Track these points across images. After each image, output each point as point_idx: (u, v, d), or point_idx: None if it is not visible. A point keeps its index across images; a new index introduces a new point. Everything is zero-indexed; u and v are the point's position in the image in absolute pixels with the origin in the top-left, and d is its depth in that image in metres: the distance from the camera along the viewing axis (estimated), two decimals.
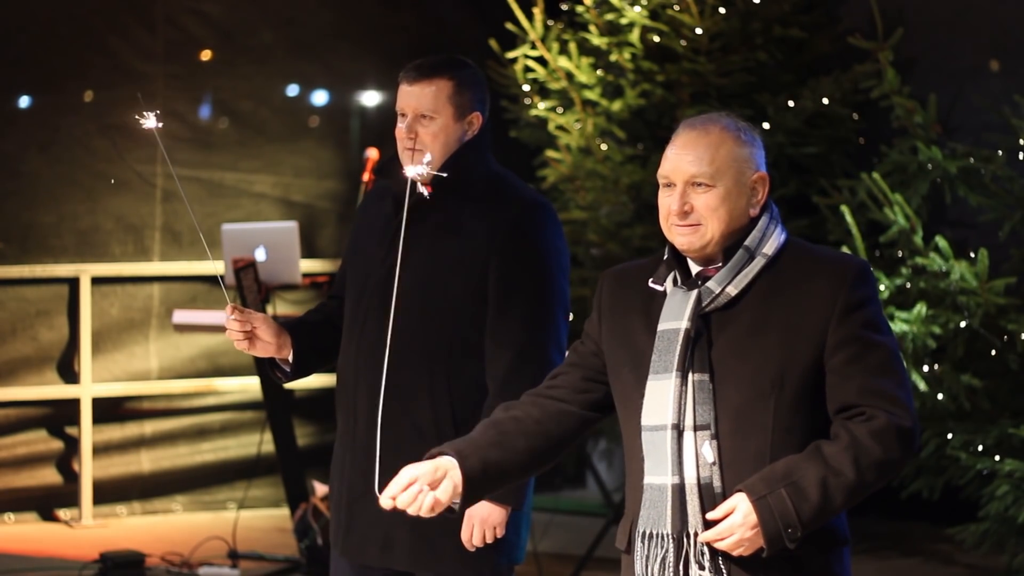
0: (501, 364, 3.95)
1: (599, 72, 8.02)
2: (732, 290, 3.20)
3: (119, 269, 8.28)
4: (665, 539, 3.14)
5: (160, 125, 3.81)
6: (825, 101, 7.66)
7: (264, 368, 4.10)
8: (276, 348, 3.99)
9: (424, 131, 3.98)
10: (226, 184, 8.52)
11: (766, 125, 7.86)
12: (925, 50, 7.42)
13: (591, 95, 7.98)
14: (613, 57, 7.93)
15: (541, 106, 8.14)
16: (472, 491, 3.25)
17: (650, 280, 3.29)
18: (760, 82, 7.94)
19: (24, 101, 8.24)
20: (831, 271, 3.19)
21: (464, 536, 3.96)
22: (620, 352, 3.31)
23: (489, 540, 3.96)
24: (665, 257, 3.31)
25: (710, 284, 3.21)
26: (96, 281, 8.23)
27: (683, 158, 3.23)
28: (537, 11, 8.05)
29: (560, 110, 8.13)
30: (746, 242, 3.21)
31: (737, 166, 3.22)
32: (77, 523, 8.11)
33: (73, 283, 8.20)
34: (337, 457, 4.15)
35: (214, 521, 8.08)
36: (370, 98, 8.82)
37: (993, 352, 6.48)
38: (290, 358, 4.03)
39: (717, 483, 3.13)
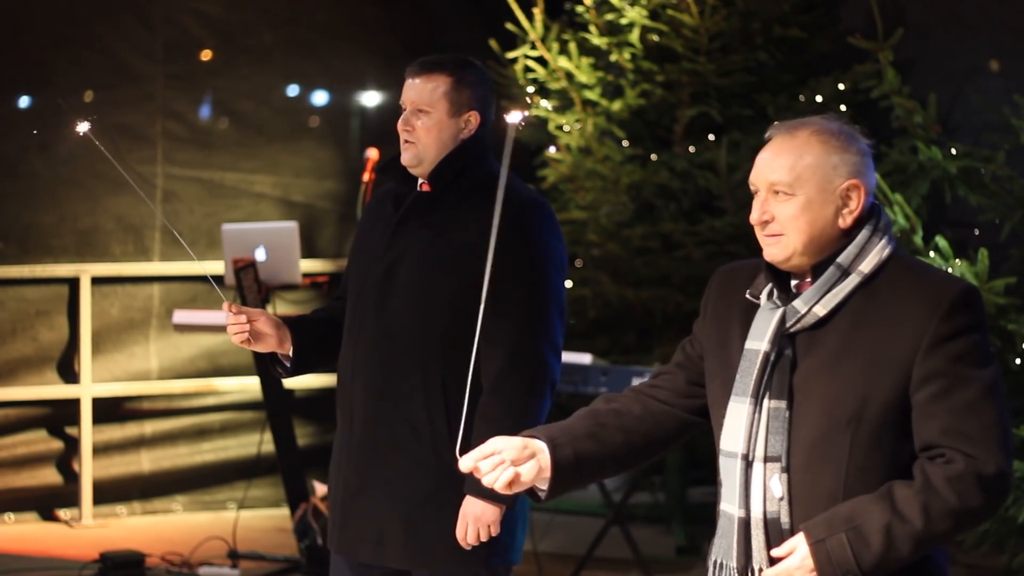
0: (495, 363, 3.95)
1: (599, 72, 8.02)
2: (820, 310, 2.99)
3: (119, 269, 8.28)
4: (731, 572, 3.03)
5: (89, 127, 3.82)
6: (825, 101, 7.66)
7: (264, 367, 4.14)
8: (277, 342, 4.02)
9: (419, 124, 4.03)
10: (226, 184, 8.52)
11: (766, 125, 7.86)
12: (925, 50, 7.42)
13: (591, 95, 7.98)
14: (613, 57, 7.93)
15: (541, 106, 8.14)
16: (560, 480, 3.15)
17: (747, 291, 3.11)
18: (760, 82, 7.94)
19: (24, 101, 8.23)
20: (926, 296, 2.95)
21: (459, 534, 3.96)
22: (714, 362, 3.16)
23: (484, 538, 3.95)
24: (764, 266, 3.11)
25: (796, 303, 3.01)
26: (96, 281, 8.23)
27: (766, 164, 3.05)
28: (537, 11, 8.05)
29: (560, 110, 8.14)
30: (839, 258, 3.00)
31: (822, 173, 3.00)
32: (77, 523, 8.10)
33: (73, 283, 8.20)
34: (335, 455, 4.17)
35: (214, 521, 8.08)
36: (370, 98, 8.82)
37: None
38: (290, 353, 4.05)
39: (785, 519, 2.97)
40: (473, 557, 4.00)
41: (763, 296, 3.08)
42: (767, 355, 3.00)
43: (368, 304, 4.05)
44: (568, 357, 6.94)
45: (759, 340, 3.02)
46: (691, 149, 7.94)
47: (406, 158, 4.06)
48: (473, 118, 4.06)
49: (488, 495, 3.89)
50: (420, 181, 4.09)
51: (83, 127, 3.93)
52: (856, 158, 3.03)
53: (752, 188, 3.08)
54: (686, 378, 3.25)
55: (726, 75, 7.84)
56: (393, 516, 4.02)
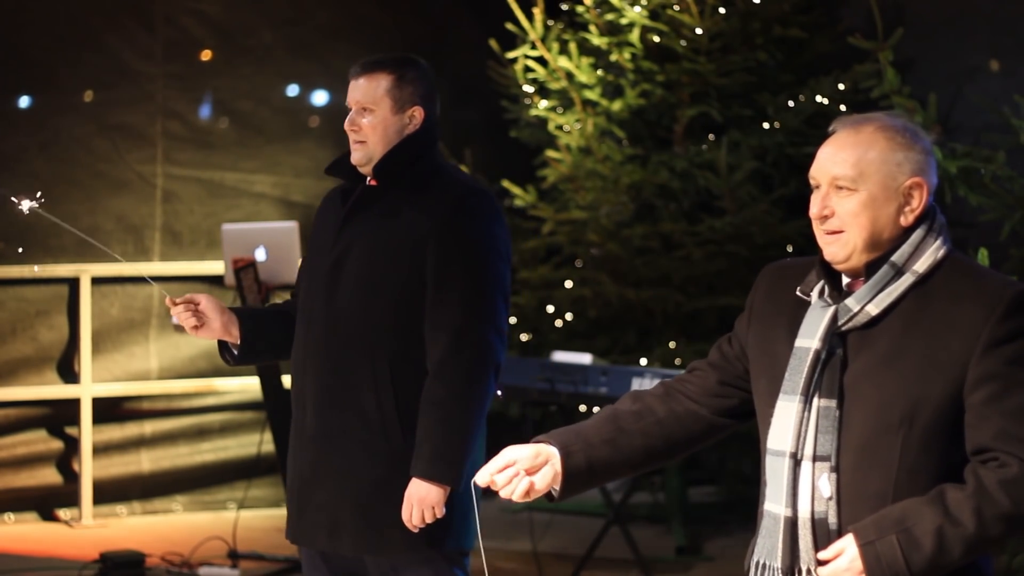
0: (439, 347, 4.03)
1: (599, 72, 8.02)
2: (873, 309, 2.95)
3: (119, 269, 8.28)
4: (776, 573, 3.00)
5: (39, 203, 3.99)
6: (825, 101, 7.66)
7: (263, 368, 4.21)
8: (222, 327, 4.11)
9: (365, 123, 4.14)
10: (226, 184, 8.52)
11: (766, 125, 7.87)
12: (925, 50, 7.42)
13: (591, 95, 7.98)
14: (613, 57, 7.93)
15: (541, 106, 8.14)
16: (572, 486, 3.15)
17: (798, 288, 3.07)
18: (760, 82, 7.94)
19: (24, 101, 8.23)
20: (982, 297, 2.91)
21: (404, 516, 4.02)
22: (762, 360, 3.11)
23: (428, 520, 4.01)
24: (817, 264, 3.06)
25: (849, 301, 2.97)
26: (96, 281, 8.23)
27: (829, 158, 3.00)
28: (537, 11, 8.05)
29: (560, 110, 8.13)
30: (893, 257, 2.96)
31: (886, 169, 2.96)
32: (77, 523, 8.10)
33: (73, 283, 8.20)
34: (291, 449, 4.24)
35: (214, 521, 8.08)
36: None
37: None
38: (238, 340, 4.15)
39: (833, 519, 2.94)
40: (426, 544, 4.06)
41: (814, 294, 3.04)
42: (818, 353, 2.96)
43: (317, 297, 4.14)
44: (568, 357, 6.95)
45: (810, 338, 2.99)
46: (691, 149, 7.94)
47: (356, 157, 4.16)
48: (417, 113, 4.17)
49: (432, 476, 3.97)
50: (367, 177, 4.19)
51: (26, 205, 4.26)
52: (920, 156, 3.00)
53: (812, 183, 3.03)
54: (718, 378, 3.23)
55: (726, 75, 7.84)
56: (345, 504, 4.10)
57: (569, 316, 8.21)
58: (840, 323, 2.97)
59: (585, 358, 6.90)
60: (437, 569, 4.11)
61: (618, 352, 8.02)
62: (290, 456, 4.23)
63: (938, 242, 2.99)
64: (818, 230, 3.02)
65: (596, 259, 8.13)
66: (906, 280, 2.96)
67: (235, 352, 4.18)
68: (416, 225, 4.05)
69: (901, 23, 7.01)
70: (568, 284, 8.19)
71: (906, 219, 2.98)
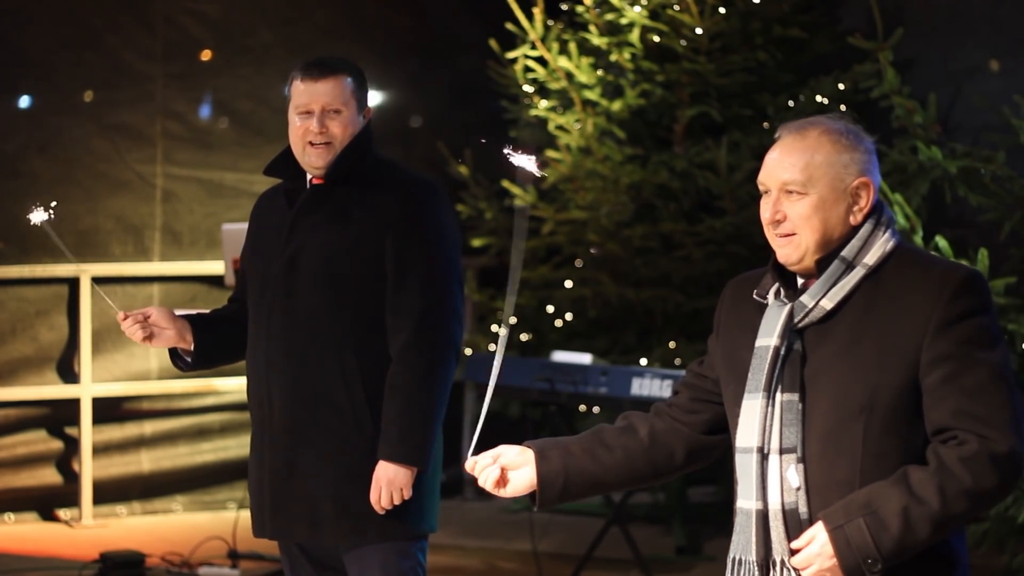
0: (402, 334, 4.13)
1: (599, 72, 8.02)
2: (827, 304, 3.03)
3: (119, 269, 8.27)
4: (751, 567, 3.04)
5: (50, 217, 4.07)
6: (825, 101, 7.66)
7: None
8: (176, 335, 4.20)
9: (334, 124, 4.22)
10: (226, 184, 8.52)
11: (766, 125, 7.86)
12: (925, 50, 7.43)
13: (591, 95, 7.98)
14: (613, 57, 7.93)
15: (541, 106, 8.14)
16: (547, 491, 3.24)
17: (754, 292, 3.15)
18: (760, 82, 7.94)
19: (24, 101, 8.23)
20: (931, 281, 2.99)
21: (373, 499, 4.11)
22: (729, 367, 3.19)
23: (397, 502, 4.10)
24: (771, 267, 3.16)
25: (804, 298, 3.05)
26: (96, 281, 8.22)
27: (777, 164, 3.08)
28: (537, 11, 8.05)
29: (560, 110, 8.13)
30: (843, 252, 3.05)
31: (834, 172, 3.05)
32: (77, 523, 8.10)
33: (73, 283, 8.20)
34: (255, 447, 4.29)
35: (214, 521, 8.08)
36: (369, 98, 8.80)
37: None
38: (191, 347, 4.22)
39: (803, 509, 3.00)
40: (392, 526, 4.15)
41: (770, 296, 3.12)
42: (777, 349, 3.04)
43: (275, 296, 4.20)
44: (568, 357, 6.95)
45: (768, 336, 3.06)
46: (691, 149, 7.94)
47: (320, 160, 4.21)
48: (368, 113, 4.30)
49: (399, 458, 4.07)
50: (310, 176, 4.25)
51: (37, 218, 4.43)
52: (864, 156, 3.08)
53: (762, 188, 3.11)
54: (690, 395, 3.30)
55: (726, 75, 7.84)
56: (324, 495, 4.17)
57: (569, 316, 8.21)
58: (796, 320, 3.05)
59: (585, 358, 6.90)
60: (400, 550, 4.19)
61: (618, 352, 8.02)
62: (254, 458, 4.29)
63: (886, 235, 3.06)
64: (770, 234, 3.10)
65: (596, 259, 8.13)
66: (857, 273, 3.03)
67: (187, 359, 4.26)
68: (371, 220, 4.15)
69: (901, 23, 7.01)
70: (568, 284, 8.19)
71: (855, 218, 3.06)
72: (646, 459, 3.27)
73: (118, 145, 8.27)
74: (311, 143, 4.21)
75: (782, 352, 3.04)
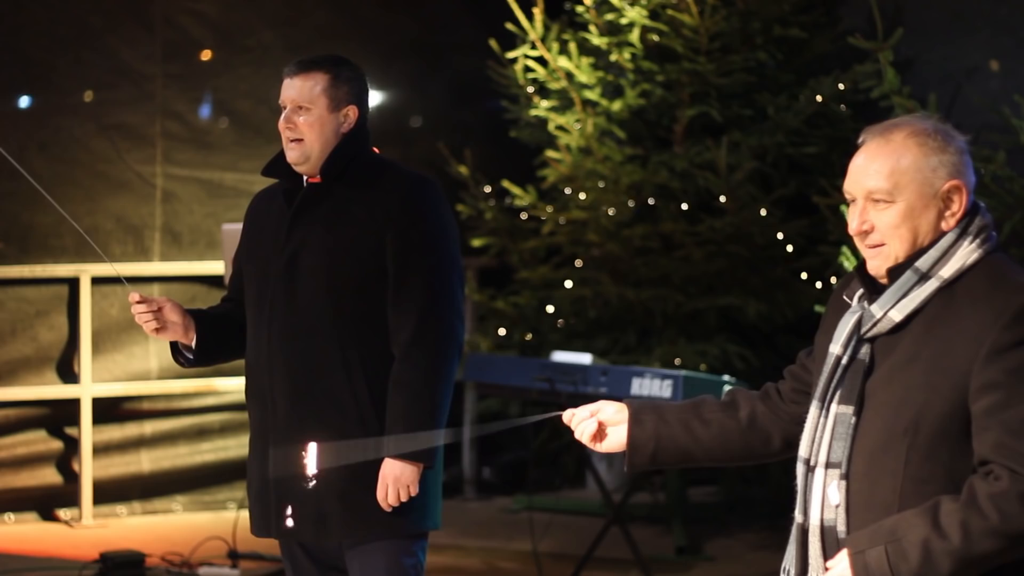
0: (405, 331, 4.13)
1: (599, 72, 8.02)
2: (896, 315, 2.89)
3: (119, 269, 8.27)
4: None
5: None
6: (825, 101, 7.66)
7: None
8: (183, 330, 4.21)
9: (301, 121, 4.23)
10: (226, 184, 8.52)
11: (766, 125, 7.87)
12: (925, 50, 7.43)
13: (591, 95, 7.98)
14: (613, 57, 7.93)
15: (541, 106, 8.14)
16: (637, 454, 3.22)
17: (843, 292, 3.03)
18: (760, 82, 7.94)
19: (24, 101, 8.23)
20: (993, 303, 2.82)
21: (379, 496, 4.11)
22: (817, 368, 3.05)
23: (403, 499, 4.10)
24: (857, 268, 3.01)
25: (873, 307, 2.91)
26: (96, 281, 8.22)
27: (862, 171, 2.91)
28: (537, 11, 8.06)
29: (560, 110, 8.13)
30: (917, 262, 2.88)
31: (922, 176, 2.88)
32: (77, 523, 8.10)
33: (73, 283, 8.19)
34: (255, 447, 4.28)
35: (214, 521, 8.08)
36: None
37: None
38: (193, 343, 4.23)
39: (842, 527, 2.89)
40: (396, 522, 4.14)
41: (855, 299, 3.00)
42: (838, 359, 2.93)
43: (275, 295, 4.21)
44: (568, 357, 6.95)
45: (836, 343, 2.96)
46: (691, 149, 7.94)
47: (293, 156, 4.23)
48: (352, 112, 4.27)
49: (405, 456, 4.07)
50: (306, 176, 4.25)
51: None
52: (955, 157, 2.93)
53: (848, 197, 2.96)
54: (792, 386, 3.21)
55: (726, 75, 7.83)
56: (329, 493, 4.16)
57: (569, 316, 8.21)
58: (864, 329, 2.93)
59: (585, 358, 6.89)
60: (403, 548, 4.19)
61: (618, 352, 8.02)
62: (254, 454, 4.28)
63: (972, 246, 2.89)
64: (860, 245, 2.95)
65: (596, 259, 8.13)
66: (931, 285, 2.88)
67: (188, 355, 4.27)
68: (370, 218, 4.15)
69: (901, 23, 7.01)
70: (568, 284, 8.19)
71: (947, 223, 2.91)
72: (742, 441, 3.19)
73: (118, 145, 8.27)
74: (287, 139, 4.24)
75: (843, 361, 2.93)
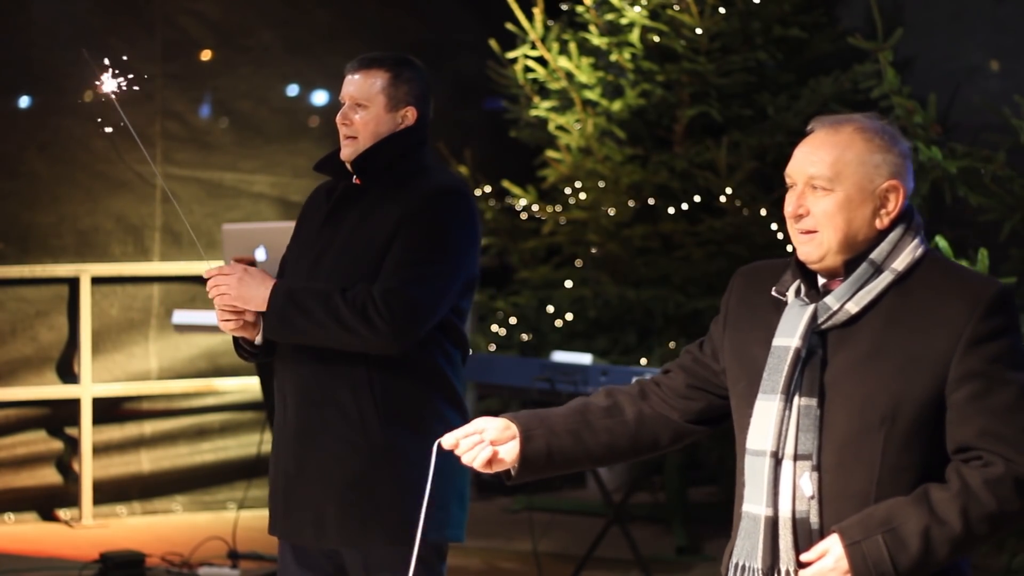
0: (381, 284, 3.98)
1: (599, 72, 8.02)
2: (852, 307, 2.94)
3: (119, 269, 8.28)
4: (756, 574, 2.96)
5: (115, 90, 3.94)
6: (825, 101, 7.67)
7: (262, 368, 4.21)
8: (253, 326, 4.11)
9: (357, 119, 4.19)
10: (225, 184, 8.52)
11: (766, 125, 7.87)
12: (925, 50, 7.43)
13: (591, 95, 7.98)
14: (613, 57, 7.93)
15: (541, 106, 8.14)
16: (527, 469, 3.17)
17: (773, 288, 3.06)
18: (760, 82, 7.94)
19: (24, 101, 8.23)
20: (963, 295, 2.89)
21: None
22: (739, 363, 3.09)
23: (217, 296, 4.04)
24: (791, 263, 3.06)
25: (828, 299, 2.96)
26: (96, 281, 8.22)
27: (806, 157, 2.98)
28: (537, 11, 8.06)
29: (560, 110, 8.14)
30: (872, 255, 2.95)
31: (863, 171, 2.95)
32: (77, 523, 8.10)
33: (73, 283, 8.20)
34: (273, 447, 4.27)
35: (214, 521, 8.08)
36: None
37: None
38: (258, 340, 4.14)
39: (814, 519, 2.92)
40: (408, 534, 3.99)
41: (790, 293, 3.03)
42: (798, 351, 2.94)
43: None
44: (568, 357, 6.95)
45: (789, 337, 2.97)
46: (691, 149, 7.94)
47: (346, 153, 4.19)
48: (410, 113, 4.21)
49: (267, 289, 4.00)
50: (353, 175, 4.21)
51: (109, 85, 4.06)
52: (898, 159, 2.99)
53: (788, 181, 3.02)
54: (686, 381, 3.22)
55: (726, 75, 7.84)
56: (328, 498, 4.12)
57: (569, 316, 8.21)
58: (820, 321, 2.96)
59: (585, 358, 6.90)
60: (407, 556, 4.08)
61: (618, 352, 8.02)
62: (273, 454, 4.27)
63: (916, 241, 2.97)
64: (792, 229, 3.01)
65: (596, 259, 8.13)
66: (885, 278, 2.95)
67: (251, 349, 4.19)
68: (387, 220, 4.06)
69: (901, 23, 7.01)
70: (568, 284, 8.19)
71: (881, 222, 2.97)
72: (630, 443, 3.21)
73: (118, 145, 8.27)
74: (343, 135, 4.20)
75: (803, 354, 2.94)
